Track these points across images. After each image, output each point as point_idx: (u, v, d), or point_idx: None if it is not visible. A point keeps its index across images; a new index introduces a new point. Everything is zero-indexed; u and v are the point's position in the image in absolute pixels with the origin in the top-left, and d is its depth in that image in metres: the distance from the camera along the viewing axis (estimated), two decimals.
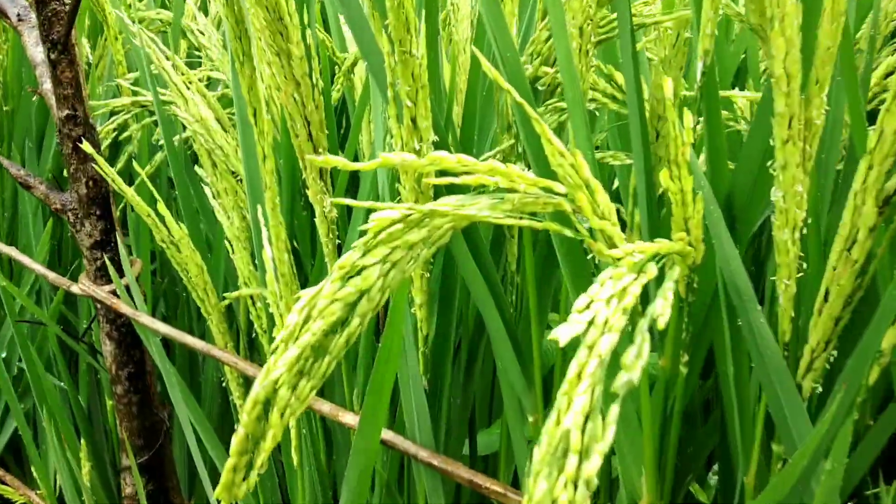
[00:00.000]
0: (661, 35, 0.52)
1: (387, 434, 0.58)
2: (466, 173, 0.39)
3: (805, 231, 0.44)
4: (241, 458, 0.39)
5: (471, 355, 0.63)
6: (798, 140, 0.42)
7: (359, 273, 0.39)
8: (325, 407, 0.61)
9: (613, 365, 0.30)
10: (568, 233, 0.41)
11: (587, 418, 0.30)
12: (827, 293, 0.43)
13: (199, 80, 0.92)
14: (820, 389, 0.44)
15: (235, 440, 0.38)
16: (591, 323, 0.34)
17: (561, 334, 0.32)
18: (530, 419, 0.53)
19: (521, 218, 0.40)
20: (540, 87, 0.55)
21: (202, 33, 0.96)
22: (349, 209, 0.73)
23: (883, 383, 0.49)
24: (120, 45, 0.99)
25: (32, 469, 1.04)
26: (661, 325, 0.34)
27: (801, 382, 0.44)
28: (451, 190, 0.48)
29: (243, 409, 0.38)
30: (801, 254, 0.44)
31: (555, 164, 0.41)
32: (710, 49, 0.44)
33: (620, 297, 0.35)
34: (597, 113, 0.67)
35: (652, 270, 0.36)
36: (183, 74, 0.79)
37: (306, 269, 0.76)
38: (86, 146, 0.71)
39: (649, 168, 0.49)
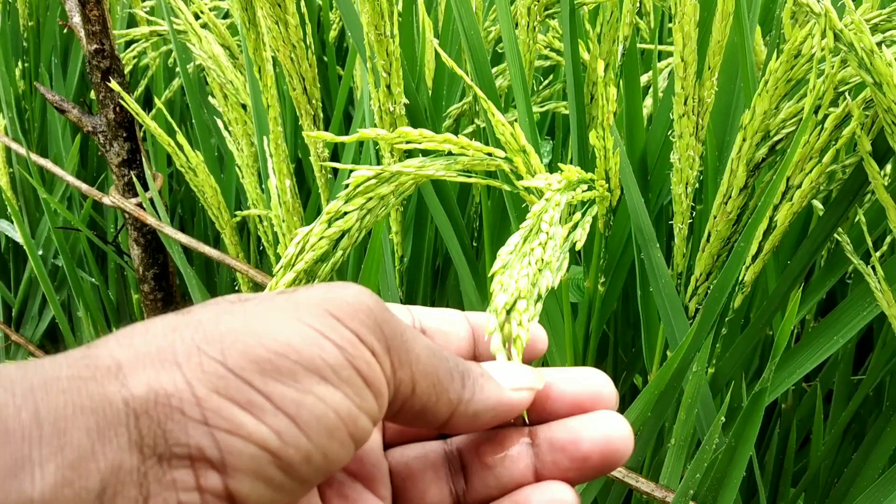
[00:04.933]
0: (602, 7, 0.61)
1: None
2: (428, 141, 0.50)
3: (698, 186, 0.55)
4: None
5: (443, 271, 0.75)
6: (692, 115, 0.53)
7: (342, 217, 0.50)
8: None
9: None
10: (506, 187, 0.53)
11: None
12: (709, 236, 0.55)
13: (210, 9, 1.02)
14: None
15: None
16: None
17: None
18: None
19: (469, 175, 0.52)
20: (500, 50, 0.66)
21: None
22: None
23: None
24: None
25: None
26: (578, 246, 0.46)
27: (687, 304, 0.57)
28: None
29: None
30: (694, 204, 0.56)
31: (498, 132, 0.52)
32: (628, 35, 0.55)
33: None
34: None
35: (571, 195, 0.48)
36: (193, 3, 0.89)
37: (308, 184, 0.88)
38: (114, 84, 0.82)
39: (583, 125, 0.60)
